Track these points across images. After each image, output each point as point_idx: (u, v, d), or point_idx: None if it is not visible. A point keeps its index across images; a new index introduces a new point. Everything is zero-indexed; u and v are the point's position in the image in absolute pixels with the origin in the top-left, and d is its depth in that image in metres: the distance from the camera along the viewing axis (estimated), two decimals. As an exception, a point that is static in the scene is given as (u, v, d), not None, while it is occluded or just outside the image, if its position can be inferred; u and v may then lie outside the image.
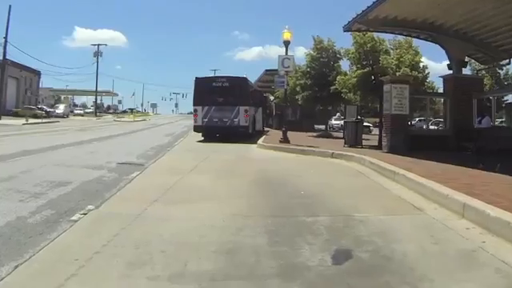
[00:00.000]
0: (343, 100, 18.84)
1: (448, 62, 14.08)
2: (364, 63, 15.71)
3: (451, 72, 13.95)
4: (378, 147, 14.66)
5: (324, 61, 22.18)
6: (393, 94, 12.41)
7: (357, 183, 7.09)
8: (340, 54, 22.30)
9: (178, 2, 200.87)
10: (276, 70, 28.79)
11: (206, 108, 17.72)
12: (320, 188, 6.33)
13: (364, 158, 9.82)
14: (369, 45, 15.29)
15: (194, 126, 18.41)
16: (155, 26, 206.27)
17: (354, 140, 14.35)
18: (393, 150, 12.02)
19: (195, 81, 18.44)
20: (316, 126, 32.56)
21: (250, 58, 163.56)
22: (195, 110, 18.13)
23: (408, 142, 12.30)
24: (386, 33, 14.79)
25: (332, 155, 11.32)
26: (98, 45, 63.22)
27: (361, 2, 12.83)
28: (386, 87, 12.77)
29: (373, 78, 15.23)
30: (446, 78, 14.08)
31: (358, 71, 15.13)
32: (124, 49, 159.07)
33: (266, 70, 33.63)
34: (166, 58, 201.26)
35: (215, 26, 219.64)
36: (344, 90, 16.34)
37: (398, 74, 14.13)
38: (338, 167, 9.36)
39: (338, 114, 43.52)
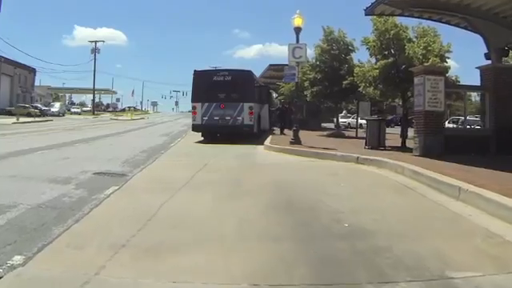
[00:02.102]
0: (362, 95, 16.90)
1: (486, 51, 12.18)
2: (385, 53, 13.73)
3: (489, 62, 12.03)
4: (403, 148, 12.80)
5: (335, 53, 20.19)
6: (426, 87, 10.49)
7: (413, 206, 5.16)
8: (352, 46, 20.43)
9: (178, 0, 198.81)
10: (281, 65, 26.99)
11: (206, 105, 15.78)
12: (368, 216, 4.41)
13: (401, 164, 7.91)
14: (392, 32, 13.29)
15: (193, 125, 16.47)
16: (155, 24, 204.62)
17: (376, 141, 12.44)
18: (426, 152, 10.17)
19: (194, 74, 16.39)
20: (322, 125, 30.71)
21: (250, 56, 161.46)
22: (194, 107, 16.19)
23: (443, 144, 10.45)
24: (413, 17, 12.79)
25: (357, 160, 9.40)
26: (96, 41, 61.19)
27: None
28: (417, 79, 10.84)
29: (396, 69, 13.27)
30: (483, 69, 12.09)
31: (381, 61, 13.15)
32: (124, 47, 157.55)
33: (270, 65, 31.77)
34: (166, 57, 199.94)
35: (215, 25, 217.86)
36: (362, 84, 14.33)
37: (425, 64, 12.17)
38: (372, 178, 7.42)
39: (344, 111, 41.68)
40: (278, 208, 4.72)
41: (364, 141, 13.19)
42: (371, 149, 12.09)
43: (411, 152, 11.06)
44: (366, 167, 8.76)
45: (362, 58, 20.42)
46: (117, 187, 5.94)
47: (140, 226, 3.84)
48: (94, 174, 7.06)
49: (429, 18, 12.88)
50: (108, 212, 4.53)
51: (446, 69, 13.53)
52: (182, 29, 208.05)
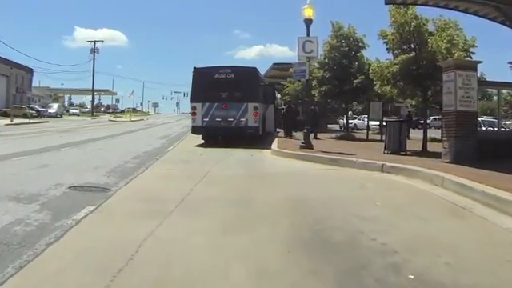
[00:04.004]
0: (374, 95, 15.61)
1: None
2: (404, 47, 12.44)
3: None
4: (424, 153, 11.53)
5: (344, 50, 18.91)
6: (458, 83, 9.23)
7: (483, 237, 3.86)
8: (363, 43, 19.17)
9: (178, 1, 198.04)
10: (285, 64, 25.73)
11: (207, 105, 14.50)
12: (434, 258, 3.12)
13: (439, 174, 6.63)
14: (412, 24, 12.00)
15: (193, 127, 15.17)
16: (156, 25, 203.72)
17: (397, 145, 11.15)
18: (458, 158, 8.95)
19: (194, 72, 15.06)
20: (328, 126, 29.44)
21: (251, 56, 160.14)
22: (194, 108, 14.88)
23: (477, 149, 9.19)
24: (438, 7, 11.46)
25: (382, 169, 8.11)
26: (95, 41, 60.06)
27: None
28: (447, 75, 9.58)
29: (416, 65, 11.98)
30: (517, 64, 10.84)
31: (402, 56, 11.86)
32: (125, 48, 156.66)
33: (274, 64, 30.55)
34: (167, 57, 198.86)
35: (216, 25, 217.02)
36: (378, 82, 13.00)
37: (454, 58, 10.86)
38: (407, 192, 6.11)
39: (349, 112, 40.39)
40: (305, 244, 3.41)
41: (380, 144, 11.98)
42: (391, 154, 10.83)
43: (436, 157, 9.84)
44: (394, 177, 7.48)
45: (370, 55, 18.91)
46: (93, 207, 4.67)
47: (106, 283, 2.56)
48: (70, 187, 5.79)
49: (455, 8, 11.56)
50: (69, 251, 3.24)
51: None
52: (183, 29, 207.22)
